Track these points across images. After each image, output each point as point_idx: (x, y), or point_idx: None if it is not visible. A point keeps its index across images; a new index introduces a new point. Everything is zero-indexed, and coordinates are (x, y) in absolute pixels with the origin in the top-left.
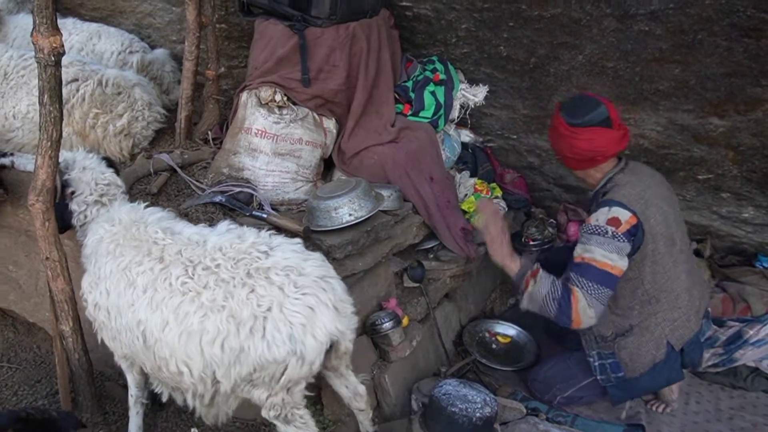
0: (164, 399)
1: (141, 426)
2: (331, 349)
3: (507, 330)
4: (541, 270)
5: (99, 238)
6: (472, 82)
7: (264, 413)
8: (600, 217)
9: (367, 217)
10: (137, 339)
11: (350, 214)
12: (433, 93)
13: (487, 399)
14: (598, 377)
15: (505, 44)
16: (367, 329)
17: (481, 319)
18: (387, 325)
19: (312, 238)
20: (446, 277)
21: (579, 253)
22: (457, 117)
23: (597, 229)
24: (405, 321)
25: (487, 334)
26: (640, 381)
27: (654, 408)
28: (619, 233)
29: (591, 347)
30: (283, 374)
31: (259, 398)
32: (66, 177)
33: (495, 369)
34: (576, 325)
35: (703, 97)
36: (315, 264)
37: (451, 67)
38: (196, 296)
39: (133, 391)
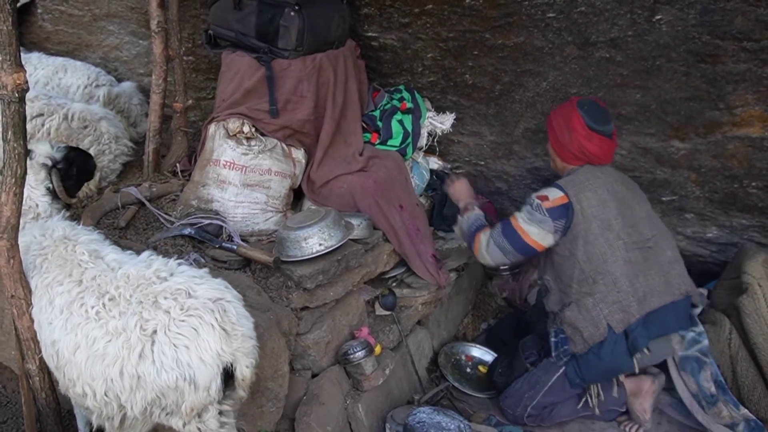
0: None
1: (88, 422)
2: (233, 375)
3: (484, 356)
4: (472, 211)
5: (25, 246)
6: (439, 110)
7: None
8: (535, 193)
9: (337, 246)
10: (52, 358)
11: (320, 244)
12: (400, 122)
13: (462, 426)
14: (553, 354)
15: (471, 72)
16: (340, 359)
17: (459, 341)
18: (359, 354)
19: (282, 269)
20: (418, 304)
21: (514, 213)
22: (426, 145)
23: (528, 200)
24: (377, 349)
25: (463, 357)
26: (589, 361)
27: (627, 429)
28: (543, 207)
29: (551, 326)
30: (184, 401)
31: (177, 426)
32: None
33: (469, 395)
34: (475, 254)
35: (664, 120)
36: (209, 287)
37: (418, 95)
38: (105, 323)
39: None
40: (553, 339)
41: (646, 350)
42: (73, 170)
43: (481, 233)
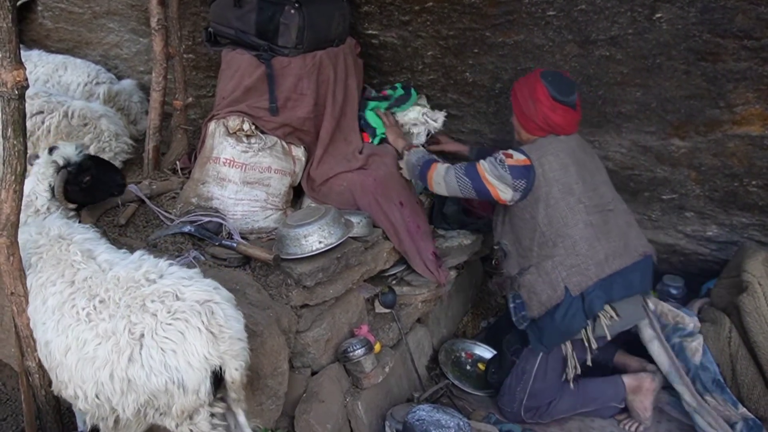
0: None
1: (84, 420)
2: (223, 377)
3: (484, 353)
4: (418, 148)
5: (22, 244)
6: (440, 107)
7: None
8: (502, 151)
9: (337, 244)
10: (46, 358)
11: (320, 242)
12: (374, 110)
13: (461, 423)
14: (513, 319)
15: (471, 70)
16: (339, 356)
17: (459, 338)
18: (359, 352)
19: (282, 267)
20: (418, 302)
21: (479, 161)
22: (425, 142)
23: (494, 156)
24: (377, 347)
25: (464, 355)
26: (545, 324)
27: (626, 427)
28: (505, 163)
29: (509, 292)
30: (174, 404)
31: (171, 427)
32: None
33: (469, 393)
34: (429, 187)
35: (664, 119)
36: (197, 289)
37: (413, 92)
38: (95, 326)
39: None
40: (511, 305)
41: (614, 315)
42: (83, 178)
43: (438, 163)
